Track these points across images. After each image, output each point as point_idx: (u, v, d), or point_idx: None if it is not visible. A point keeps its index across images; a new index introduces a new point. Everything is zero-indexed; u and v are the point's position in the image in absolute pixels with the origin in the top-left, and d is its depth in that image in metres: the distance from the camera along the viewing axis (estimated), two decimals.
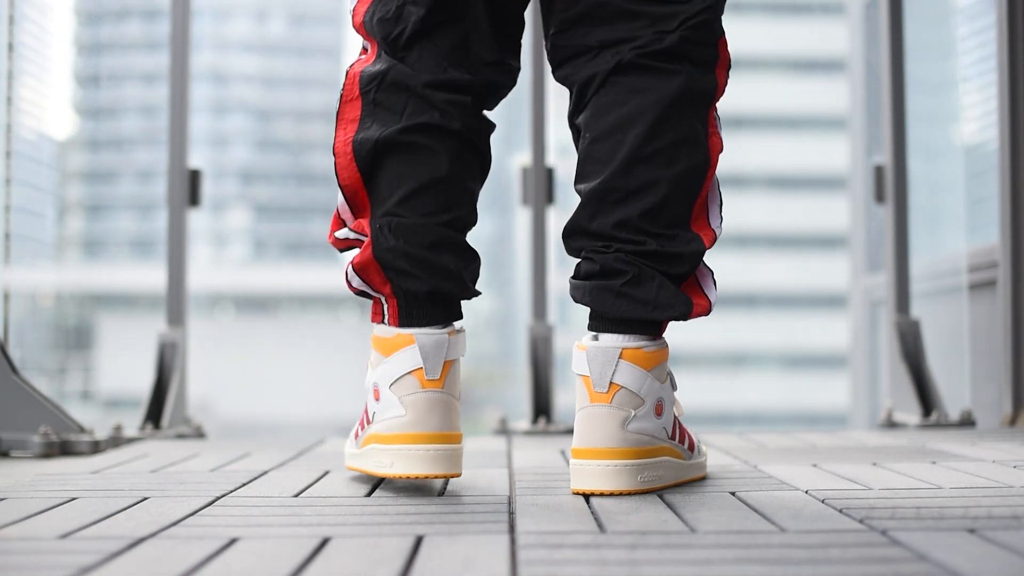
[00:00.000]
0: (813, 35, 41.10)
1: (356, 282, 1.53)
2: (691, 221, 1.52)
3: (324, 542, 1.14)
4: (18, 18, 2.87)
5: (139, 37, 46.36)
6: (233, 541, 1.15)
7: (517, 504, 1.39)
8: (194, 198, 2.91)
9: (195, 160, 2.96)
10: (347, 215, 1.56)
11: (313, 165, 46.02)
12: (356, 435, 1.61)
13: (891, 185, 3.05)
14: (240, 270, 45.83)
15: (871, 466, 1.76)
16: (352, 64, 1.59)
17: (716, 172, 1.53)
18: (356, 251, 1.54)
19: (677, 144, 1.49)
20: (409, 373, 1.48)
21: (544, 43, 1.61)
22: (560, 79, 1.60)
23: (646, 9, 1.50)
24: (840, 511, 1.30)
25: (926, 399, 2.80)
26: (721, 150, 1.53)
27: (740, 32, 40.02)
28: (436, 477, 1.48)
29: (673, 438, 1.52)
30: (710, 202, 1.54)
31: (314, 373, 40.30)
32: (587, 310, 1.53)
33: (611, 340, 1.48)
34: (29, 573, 1.01)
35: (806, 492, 1.46)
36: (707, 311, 1.54)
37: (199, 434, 2.68)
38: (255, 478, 1.68)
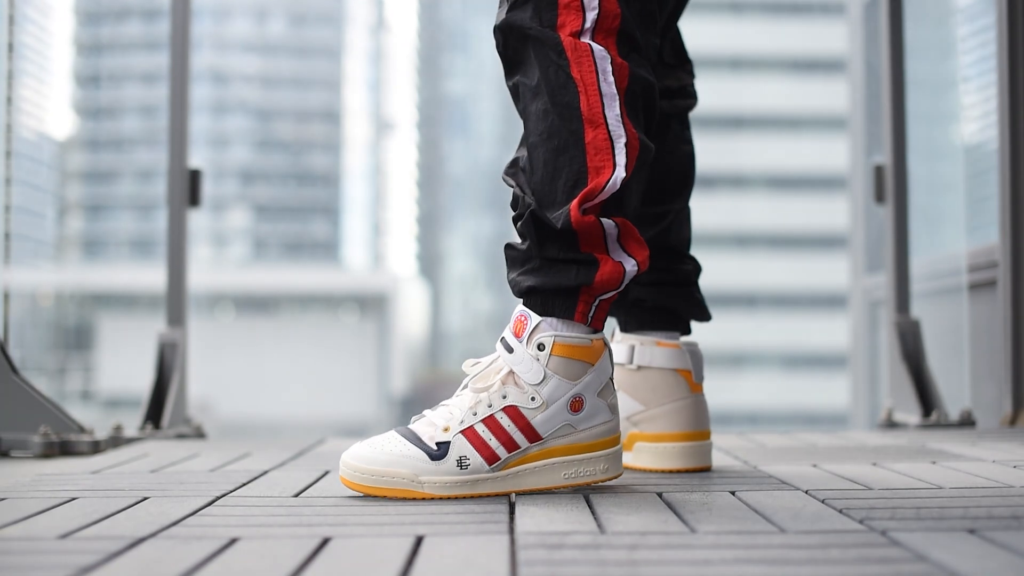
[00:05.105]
0: (813, 35, 41.07)
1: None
2: None
3: (324, 542, 1.14)
4: (18, 18, 2.87)
5: (139, 37, 46.34)
6: (233, 541, 1.15)
7: (517, 504, 1.39)
8: (194, 198, 2.91)
9: (195, 160, 2.96)
10: None
11: (313, 165, 46.02)
12: (491, 459, 1.46)
13: (891, 185, 3.05)
14: (240, 270, 45.80)
15: (871, 466, 1.76)
16: None
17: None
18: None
19: None
20: (610, 379, 1.50)
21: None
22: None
23: None
24: (840, 511, 1.30)
25: (926, 399, 2.80)
26: None
27: (740, 32, 40.02)
28: (617, 477, 1.53)
29: None
30: None
31: (314, 373, 40.30)
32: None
33: (689, 339, 1.78)
34: (29, 573, 1.01)
35: (806, 492, 1.46)
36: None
37: (199, 434, 2.68)
38: (255, 478, 1.68)
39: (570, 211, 1.44)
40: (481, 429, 1.46)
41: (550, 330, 1.47)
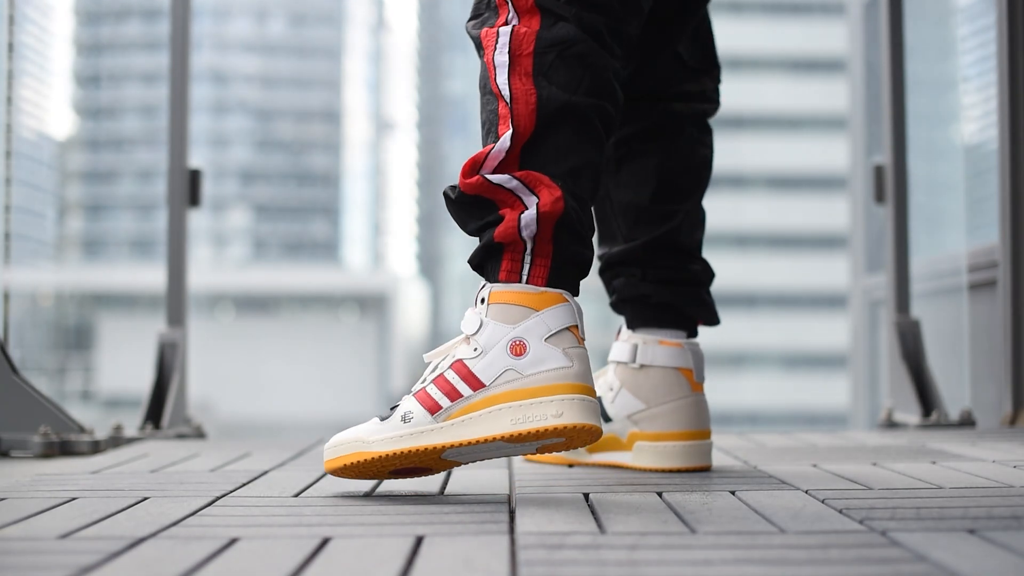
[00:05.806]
0: (813, 35, 41.08)
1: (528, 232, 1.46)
2: None
3: (324, 542, 1.14)
4: (18, 18, 2.87)
5: (139, 37, 46.33)
6: (233, 541, 1.15)
7: (517, 504, 1.39)
8: (194, 198, 2.91)
9: (195, 160, 2.96)
10: None
11: (313, 165, 46.04)
12: (433, 409, 1.45)
13: (891, 185, 3.05)
14: (240, 270, 45.78)
15: (871, 466, 1.76)
16: None
17: None
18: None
19: None
20: (566, 328, 1.44)
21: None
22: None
23: None
24: (840, 511, 1.30)
25: (926, 399, 2.80)
26: None
27: (740, 32, 40.00)
28: (592, 432, 1.42)
29: None
30: None
31: (314, 373, 40.31)
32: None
33: (693, 341, 1.79)
34: (29, 573, 1.01)
35: (806, 492, 1.46)
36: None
37: (199, 434, 2.68)
38: (255, 478, 1.68)
39: (459, 181, 1.50)
40: (430, 387, 1.47)
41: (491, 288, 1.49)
